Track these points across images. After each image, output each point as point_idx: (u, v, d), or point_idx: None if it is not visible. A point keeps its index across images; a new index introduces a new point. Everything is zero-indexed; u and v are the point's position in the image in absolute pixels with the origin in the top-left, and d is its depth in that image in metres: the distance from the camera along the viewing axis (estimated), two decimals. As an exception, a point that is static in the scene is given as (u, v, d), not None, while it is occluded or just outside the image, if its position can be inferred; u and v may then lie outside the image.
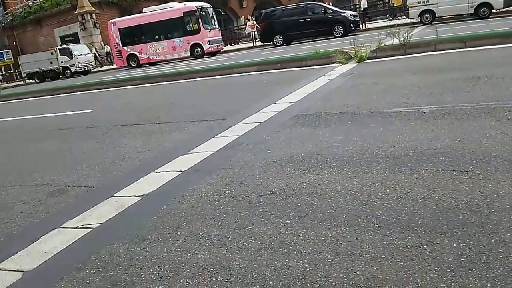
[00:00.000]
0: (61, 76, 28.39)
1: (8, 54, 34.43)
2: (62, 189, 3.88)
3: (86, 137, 6.19)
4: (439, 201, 2.49)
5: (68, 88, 15.81)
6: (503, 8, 17.50)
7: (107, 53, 32.65)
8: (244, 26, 32.65)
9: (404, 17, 20.14)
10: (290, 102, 6.11)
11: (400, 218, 2.36)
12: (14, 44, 39.15)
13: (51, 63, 28.39)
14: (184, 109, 7.32)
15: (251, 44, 27.66)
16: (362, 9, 28.34)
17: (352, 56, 9.73)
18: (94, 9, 34.74)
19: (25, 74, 29.95)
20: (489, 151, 3.14)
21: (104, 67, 32.39)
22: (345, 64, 9.29)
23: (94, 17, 34.69)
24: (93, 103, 10.94)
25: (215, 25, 25.70)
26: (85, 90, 14.48)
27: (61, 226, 2.98)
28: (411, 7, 19.26)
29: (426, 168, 3.01)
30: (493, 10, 17.59)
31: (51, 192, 3.86)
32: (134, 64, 26.34)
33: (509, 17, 16.77)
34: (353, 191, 2.81)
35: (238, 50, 26.72)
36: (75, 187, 3.88)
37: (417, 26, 17.53)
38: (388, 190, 2.74)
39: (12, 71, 35.30)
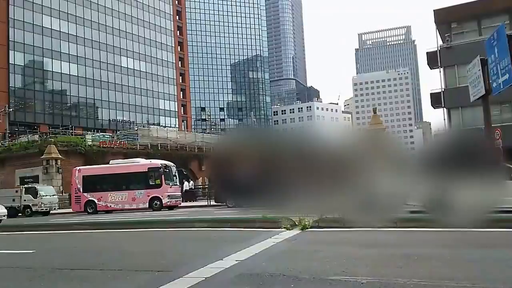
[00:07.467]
0: (19, 214, 26.69)
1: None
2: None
3: (19, 280, 5.54)
4: None
5: (14, 227, 14.65)
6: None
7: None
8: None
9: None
10: (236, 260, 5.92)
11: None
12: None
13: (13, 200, 26.95)
14: (129, 258, 6.88)
15: (205, 203, 28.02)
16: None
17: (296, 223, 9.96)
18: (60, 156, 34.88)
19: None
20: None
21: (63, 210, 31.04)
22: (290, 230, 9.42)
23: (59, 163, 34.59)
24: (38, 244, 10.09)
25: (176, 182, 26.34)
26: (33, 231, 13.46)
27: None
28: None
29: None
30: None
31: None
32: (91, 210, 25.60)
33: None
34: None
35: (194, 207, 26.98)
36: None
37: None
38: None
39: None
